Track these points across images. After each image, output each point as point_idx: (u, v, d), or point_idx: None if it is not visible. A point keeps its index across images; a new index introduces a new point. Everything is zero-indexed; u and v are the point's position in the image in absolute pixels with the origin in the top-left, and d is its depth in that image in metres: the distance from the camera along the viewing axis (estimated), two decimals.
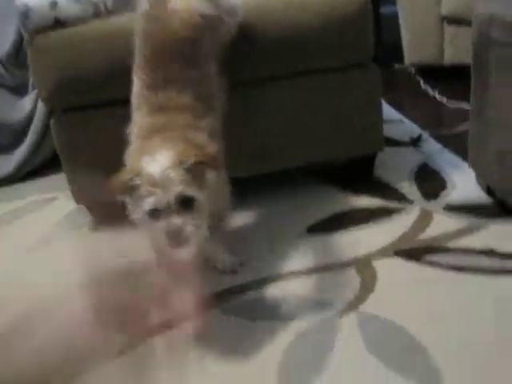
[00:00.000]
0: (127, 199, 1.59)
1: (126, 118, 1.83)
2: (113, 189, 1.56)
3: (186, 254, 1.49)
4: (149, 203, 1.49)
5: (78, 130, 2.39)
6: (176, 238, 1.47)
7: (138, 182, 1.51)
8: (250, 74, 2.34)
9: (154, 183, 1.48)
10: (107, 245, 0.86)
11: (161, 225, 1.49)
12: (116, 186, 1.56)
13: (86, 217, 2.67)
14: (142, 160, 1.55)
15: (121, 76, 1.97)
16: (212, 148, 1.63)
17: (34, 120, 3.37)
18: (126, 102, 1.90)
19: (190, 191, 1.51)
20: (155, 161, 1.52)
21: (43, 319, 0.70)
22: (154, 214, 1.50)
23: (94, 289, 0.73)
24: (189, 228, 1.48)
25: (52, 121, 2.38)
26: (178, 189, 1.48)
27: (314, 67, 2.40)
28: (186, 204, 1.50)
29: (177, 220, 1.48)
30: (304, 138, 2.48)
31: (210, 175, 1.62)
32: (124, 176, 1.56)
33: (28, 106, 3.43)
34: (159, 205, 1.49)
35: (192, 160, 1.52)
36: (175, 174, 1.49)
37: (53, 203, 3.03)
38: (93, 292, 0.72)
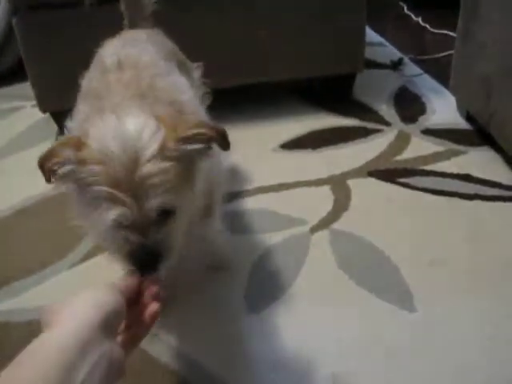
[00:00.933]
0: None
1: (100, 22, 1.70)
2: (40, 163, 1.00)
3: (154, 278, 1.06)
4: (108, 217, 0.97)
5: (44, 33, 2.23)
6: (144, 262, 1.02)
7: (86, 174, 0.97)
8: None
9: (115, 181, 0.95)
10: None
11: (124, 243, 1.03)
12: (44, 169, 1.00)
13: (52, 128, 2.56)
14: (93, 129, 1.01)
15: None
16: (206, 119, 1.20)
17: None
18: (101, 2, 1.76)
19: (174, 200, 1.00)
20: (122, 136, 0.97)
21: None
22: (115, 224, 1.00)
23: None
24: (163, 249, 1.04)
25: (15, 20, 2.22)
26: (156, 201, 0.97)
27: None
28: (163, 215, 1.02)
29: (148, 240, 1.02)
30: (287, 53, 2.40)
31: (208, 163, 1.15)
32: (55, 156, 0.98)
33: None
34: (125, 220, 0.98)
35: (206, 136, 1.04)
36: (157, 170, 0.97)
37: (17, 112, 2.90)
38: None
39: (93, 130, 1.00)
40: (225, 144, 1.07)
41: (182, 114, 1.16)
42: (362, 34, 2.44)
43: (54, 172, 0.99)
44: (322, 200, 1.91)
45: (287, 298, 1.51)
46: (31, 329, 1.48)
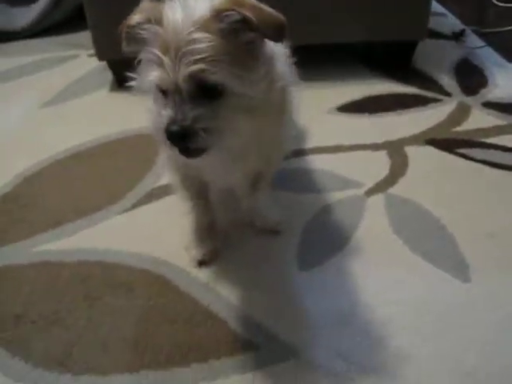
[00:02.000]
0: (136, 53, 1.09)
1: None
2: (120, 33, 1.11)
3: (199, 161, 1.10)
4: (151, 77, 1.02)
5: None
6: (177, 139, 1.02)
7: (149, 33, 1.03)
8: None
9: (166, 45, 0.98)
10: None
11: (161, 115, 1.03)
12: (121, 30, 1.10)
13: (107, 76, 2.57)
14: (169, 3, 1.04)
15: None
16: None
17: None
18: None
19: (218, 75, 0.97)
20: (181, 7, 1.00)
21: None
22: (162, 91, 1.04)
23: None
24: (200, 131, 1.00)
25: None
26: (195, 67, 0.96)
27: None
28: (209, 92, 1.00)
29: (180, 115, 1.00)
30: (348, 15, 2.35)
31: (268, 56, 1.08)
32: (132, 18, 1.07)
33: None
34: (164, 83, 1.01)
35: (238, 15, 0.97)
36: (200, 38, 0.96)
37: (73, 60, 2.92)
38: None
39: (168, 2, 1.03)
40: (272, 33, 1.00)
41: None
42: (428, 1, 2.37)
43: (128, 33, 1.07)
44: (379, 164, 1.88)
45: (340, 259, 1.50)
46: (82, 269, 1.50)
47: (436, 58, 2.68)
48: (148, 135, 1.13)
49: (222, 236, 1.58)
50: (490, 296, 1.37)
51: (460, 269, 1.45)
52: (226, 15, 0.97)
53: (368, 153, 1.95)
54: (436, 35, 2.94)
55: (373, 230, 1.60)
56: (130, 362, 1.24)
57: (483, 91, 2.38)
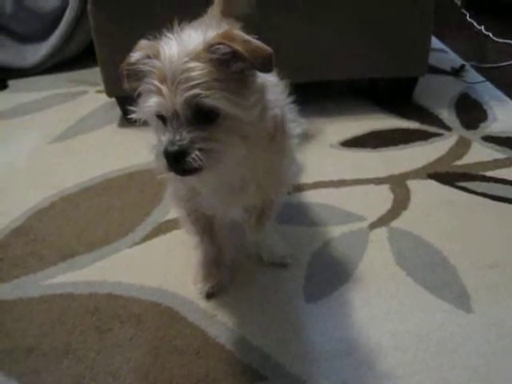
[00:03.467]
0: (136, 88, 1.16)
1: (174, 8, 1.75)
2: (120, 72, 1.19)
3: (196, 181, 1.17)
4: (150, 104, 1.09)
5: (117, 18, 2.30)
6: (173, 161, 1.07)
7: (150, 67, 1.10)
8: None
9: (163, 76, 1.06)
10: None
11: (161, 140, 1.09)
12: (122, 69, 1.18)
13: (116, 113, 2.63)
14: (165, 39, 1.13)
15: None
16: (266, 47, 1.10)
17: (68, 9, 3.25)
18: None
19: (211, 99, 1.04)
20: (176, 42, 1.09)
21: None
22: (162, 120, 1.11)
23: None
24: (195, 151, 1.05)
25: (89, 6, 2.29)
26: (190, 92, 1.03)
27: None
28: (205, 116, 1.06)
29: (178, 137, 1.06)
30: (351, 52, 2.42)
31: (259, 84, 1.15)
32: (132, 56, 1.16)
33: None
34: (163, 109, 1.08)
35: (228, 48, 1.05)
36: (194, 67, 1.04)
37: (82, 97, 2.99)
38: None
39: (165, 39, 1.12)
40: (260, 64, 1.07)
41: None
42: (428, 39, 2.44)
43: (129, 71, 1.15)
44: (381, 198, 1.92)
45: (344, 291, 1.53)
46: (92, 301, 1.54)
47: (436, 93, 2.74)
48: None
49: (230, 269, 1.61)
50: (492, 326, 1.40)
51: (462, 300, 1.49)
52: (217, 48, 1.05)
53: (371, 187, 2.00)
54: (436, 71, 3.01)
55: (376, 262, 1.63)
56: None
57: (483, 125, 2.43)
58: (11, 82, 3.26)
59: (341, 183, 2.02)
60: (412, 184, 1.99)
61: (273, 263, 1.64)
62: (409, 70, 2.51)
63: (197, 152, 1.05)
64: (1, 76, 3.27)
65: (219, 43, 1.05)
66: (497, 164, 2.11)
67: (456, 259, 1.63)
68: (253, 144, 1.16)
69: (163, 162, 1.08)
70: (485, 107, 2.61)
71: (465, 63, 3.07)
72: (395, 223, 1.79)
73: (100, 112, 2.75)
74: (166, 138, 1.07)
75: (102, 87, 2.50)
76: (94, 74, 2.52)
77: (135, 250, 1.74)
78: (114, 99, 2.58)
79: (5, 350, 1.41)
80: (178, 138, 1.06)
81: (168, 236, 1.79)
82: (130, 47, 2.20)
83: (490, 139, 2.31)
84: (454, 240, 1.70)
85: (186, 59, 1.04)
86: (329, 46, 2.38)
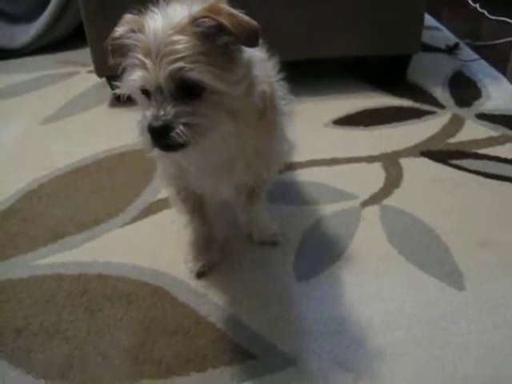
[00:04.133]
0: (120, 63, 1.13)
1: None
2: (105, 48, 1.16)
3: (181, 156, 1.18)
4: (134, 77, 1.06)
5: None
6: (157, 137, 1.05)
7: (134, 40, 1.07)
8: None
9: (148, 49, 1.03)
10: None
11: (145, 115, 1.06)
12: (107, 45, 1.15)
13: (106, 93, 2.61)
14: (151, 13, 1.09)
15: None
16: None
17: None
18: None
19: (196, 73, 1.01)
20: (161, 15, 1.06)
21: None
22: (146, 94, 1.09)
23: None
24: (180, 126, 1.03)
25: None
26: (174, 66, 1.01)
27: None
28: (190, 91, 1.04)
29: (162, 112, 1.04)
30: (344, 29, 2.39)
31: (246, 58, 1.12)
32: (116, 30, 1.12)
33: None
34: (147, 83, 1.05)
35: (213, 21, 1.02)
36: (179, 40, 1.02)
37: (73, 77, 2.96)
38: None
39: (150, 13, 1.09)
40: (245, 38, 1.04)
41: None
42: (421, 15, 2.41)
43: (113, 46, 1.12)
44: (374, 176, 1.91)
45: (336, 269, 1.52)
46: (82, 282, 1.53)
47: (430, 71, 2.73)
48: None
49: (220, 247, 1.60)
50: (484, 303, 1.39)
51: (454, 277, 1.48)
52: (202, 21, 1.02)
53: (363, 165, 1.98)
54: (430, 49, 2.99)
55: (368, 240, 1.62)
56: (130, 373, 1.26)
57: (476, 103, 2.42)
58: (0, 63, 3.22)
59: (333, 161, 2.00)
60: (404, 162, 1.98)
61: (263, 242, 1.63)
62: (402, 47, 2.49)
63: (181, 127, 1.03)
64: None
65: (204, 16, 1.02)
66: (490, 142, 2.10)
67: (448, 237, 1.62)
68: (240, 120, 1.14)
69: (148, 137, 1.06)
70: (479, 85, 2.59)
71: (459, 41, 3.04)
72: (387, 201, 1.78)
73: (91, 92, 2.72)
74: (150, 113, 1.05)
75: (92, 67, 2.47)
76: (85, 54, 2.49)
77: (126, 230, 1.73)
78: (104, 79, 2.55)
79: None
80: (162, 112, 1.03)
81: (158, 216, 1.78)
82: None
83: (484, 117, 2.29)
84: (446, 218, 1.70)
85: (171, 32, 1.01)
86: (321, 22, 2.35)
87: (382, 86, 2.57)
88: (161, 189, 1.85)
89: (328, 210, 1.75)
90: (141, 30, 1.06)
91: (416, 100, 2.45)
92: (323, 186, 1.87)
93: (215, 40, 1.04)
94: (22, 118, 2.52)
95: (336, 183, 1.87)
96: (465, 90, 2.55)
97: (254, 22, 1.04)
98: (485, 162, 1.98)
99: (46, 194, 1.92)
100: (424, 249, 1.58)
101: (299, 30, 2.35)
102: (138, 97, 1.12)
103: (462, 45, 3.02)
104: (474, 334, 1.31)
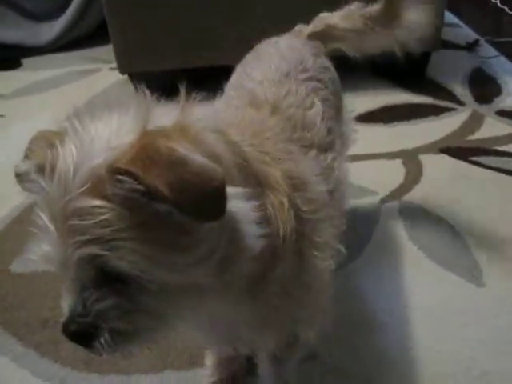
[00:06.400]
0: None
1: None
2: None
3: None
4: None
5: None
6: (76, 340, 0.73)
7: (38, 189, 0.70)
8: None
9: (52, 208, 0.67)
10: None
11: (63, 296, 0.74)
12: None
13: (128, 90, 2.63)
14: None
15: None
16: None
17: None
18: None
19: (118, 261, 0.63)
20: (74, 148, 0.67)
21: None
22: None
23: None
24: (106, 334, 0.71)
25: None
26: (85, 251, 0.64)
27: None
28: (115, 278, 0.67)
29: (79, 307, 0.71)
30: None
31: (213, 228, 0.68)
32: (19, 165, 0.76)
33: None
34: (54, 265, 0.71)
35: (138, 184, 0.61)
36: (92, 207, 0.63)
37: (96, 74, 2.99)
38: None
39: (67, 142, 0.70)
40: (190, 208, 0.62)
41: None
42: (441, 13, 2.41)
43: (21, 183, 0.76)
44: (393, 173, 1.92)
45: (356, 265, 1.54)
46: None
47: (450, 68, 2.72)
48: None
49: None
50: (503, 300, 1.41)
51: (473, 274, 1.49)
52: (123, 179, 0.61)
53: (383, 162, 1.99)
54: (450, 45, 2.97)
55: (388, 236, 1.64)
56: (153, 363, 1.29)
57: (497, 100, 2.41)
58: (25, 61, 3.26)
59: (353, 158, 1.99)
60: (424, 159, 1.99)
61: None
62: (422, 45, 2.48)
63: (107, 335, 0.71)
64: (14, 54, 3.28)
65: (127, 172, 0.60)
66: (511, 138, 2.10)
67: (468, 234, 1.63)
68: (220, 294, 0.76)
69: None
70: (499, 82, 2.58)
71: (479, 37, 3.03)
72: (407, 198, 1.79)
73: (113, 89, 2.75)
74: (65, 303, 0.73)
75: (115, 64, 2.50)
76: (108, 51, 2.52)
77: None
78: (126, 76, 2.58)
79: (21, 321, 1.43)
80: (79, 308, 0.70)
81: None
82: (143, 24, 2.22)
83: (504, 114, 2.29)
84: (466, 215, 1.70)
85: (81, 189, 0.63)
86: None
87: (401, 83, 2.58)
88: None
89: (348, 206, 1.76)
90: (47, 173, 0.68)
91: (436, 97, 2.45)
92: None
93: (150, 205, 0.62)
94: (47, 114, 2.54)
95: (356, 179, 1.86)
96: (485, 86, 2.54)
97: (215, 175, 0.62)
98: (505, 158, 1.98)
99: None
100: (444, 245, 1.59)
101: None
102: None
103: (481, 41, 3.01)
104: (492, 331, 1.32)
